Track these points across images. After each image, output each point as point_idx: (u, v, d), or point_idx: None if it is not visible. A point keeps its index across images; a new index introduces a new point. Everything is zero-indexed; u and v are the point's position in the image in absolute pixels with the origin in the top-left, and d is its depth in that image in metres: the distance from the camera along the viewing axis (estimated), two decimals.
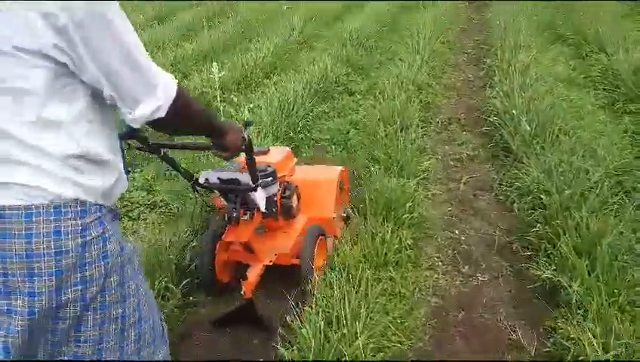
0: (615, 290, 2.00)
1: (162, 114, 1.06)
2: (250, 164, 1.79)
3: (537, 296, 2.32)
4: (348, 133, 4.12)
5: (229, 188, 1.99)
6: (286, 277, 2.27)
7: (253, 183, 1.88)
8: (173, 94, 1.07)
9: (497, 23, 6.67)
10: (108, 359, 1.13)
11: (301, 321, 1.93)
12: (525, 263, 2.51)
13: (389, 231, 2.46)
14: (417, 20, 7.13)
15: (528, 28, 6.38)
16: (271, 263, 2.19)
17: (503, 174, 3.39)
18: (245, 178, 1.93)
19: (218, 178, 1.99)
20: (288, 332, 1.97)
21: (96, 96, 1.04)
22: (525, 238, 2.68)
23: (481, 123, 4.22)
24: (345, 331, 1.79)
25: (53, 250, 0.99)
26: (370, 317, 1.93)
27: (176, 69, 5.58)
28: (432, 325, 2.19)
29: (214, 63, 3.78)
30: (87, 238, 1.03)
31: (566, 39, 6.41)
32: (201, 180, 1.99)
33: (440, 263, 2.61)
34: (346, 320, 1.86)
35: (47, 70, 0.96)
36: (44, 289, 1.00)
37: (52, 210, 0.99)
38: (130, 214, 3.11)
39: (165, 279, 2.22)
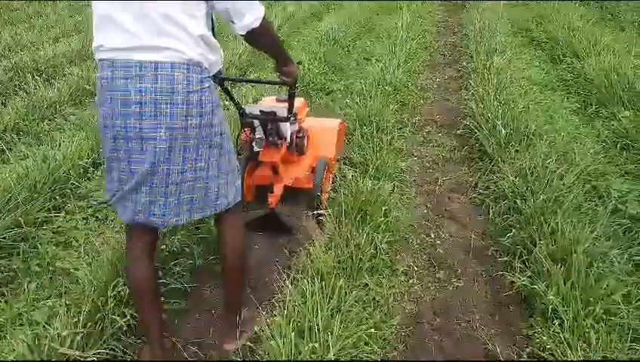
0: (591, 299, 1.98)
1: (257, 24, 1.66)
2: (291, 97, 2.34)
3: (514, 303, 2.29)
4: None
5: (268, 118, 2.51)
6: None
7: (289, 113, 2.45)
8: (263, 13, 1.67)
9: (473, 25, 6.70)
10: (213, 172, 1.70)
11: (271, 331, 1.83)
12: (501, 269, 2.48)
13: (364, 236, 2.39)
14: (395, 21, 7.10)
15: (503, 31, 6.42)
16: (290, 184, 2.76)
17: (479, 177, 3.37)
18: (280, 111, 2.48)
19: (260, 110, 2.52)
20: (257, 342, 1.87)
21: (208, 10, 1.63)
22: (501, 243, 2.65)
23: (457, 125, 4.20)
24: (317, 344, 1.70)
25: (186, 90, 1.56)
26: (344, 327, 1.84)
27: None
28: (406, 333, 2.13)
29: None
30: (204, 86, 1.60)
31: (540, 43, 6.48)
32: (247, 111, 2.50)
33: (415, 268, 2.55)
34: (318, 331, 1.77)
35: None
36: (178, 113, 1.56)
37: (185, 66, 1.56)
38: None
39: None
